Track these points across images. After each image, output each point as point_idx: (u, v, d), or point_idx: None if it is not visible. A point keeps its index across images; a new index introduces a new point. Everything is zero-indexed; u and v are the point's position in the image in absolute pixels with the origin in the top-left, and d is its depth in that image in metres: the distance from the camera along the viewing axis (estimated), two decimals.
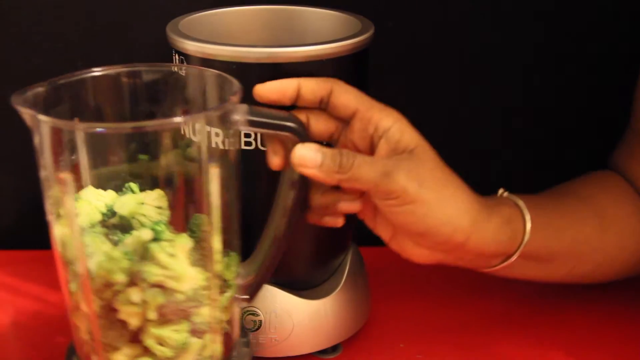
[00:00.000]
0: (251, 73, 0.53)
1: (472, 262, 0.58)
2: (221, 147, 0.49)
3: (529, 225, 0.57)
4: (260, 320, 0.59)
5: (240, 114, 0.49)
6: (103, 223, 0.49)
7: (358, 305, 0.63)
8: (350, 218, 0.58)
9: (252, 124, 0.50)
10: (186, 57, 0.55)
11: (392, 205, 0.53)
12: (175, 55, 0.57)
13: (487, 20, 0.74)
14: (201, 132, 0.48)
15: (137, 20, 0.73)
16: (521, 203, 0.58)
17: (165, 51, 0.57)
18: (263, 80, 0.52)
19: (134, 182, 0.50)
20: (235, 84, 0.48)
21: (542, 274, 0.62)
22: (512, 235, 0.57)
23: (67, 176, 0.46)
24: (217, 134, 0.49)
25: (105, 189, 0.50)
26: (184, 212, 0.50)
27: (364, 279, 0.65)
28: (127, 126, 0.46)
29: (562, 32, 0.75)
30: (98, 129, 0.46)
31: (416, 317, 0.67)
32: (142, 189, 0.50)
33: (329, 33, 0.60)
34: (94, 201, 0.49)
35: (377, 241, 0.57)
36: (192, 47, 0.55)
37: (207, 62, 0.54)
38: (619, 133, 0.70)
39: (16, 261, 0.76)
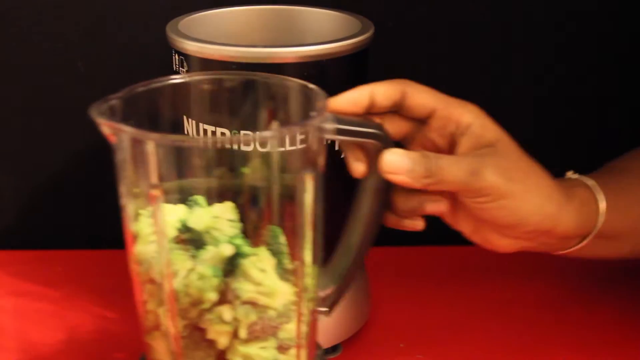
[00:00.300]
0: None
1: (553, 246, 0.58)
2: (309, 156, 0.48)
3: (602, 205, 0.57)
4: None
5: (328, 123, 0.48)
6: (177, 239, 0.47)
7: (358, 305, 0.63)
8: (346, 217, 0.58)
9: (340, 132, 0.49)
10: (186, 58, 0.55)
11: (483, 202, 0.52)
12: (175, 56, 0.57)
13: (487, 20, 0.74)
14: (295, 142, 0.48)
15: (137, 20, 0.73)
16: (592, 183, 0.58)
17: (166, 51, 0.57)
18: None
19: (200, 195, 0.48)
20: (322, 93, 0.47)
21: (608, 253, 0.61)
22: (588, 216, 0.57)
23: (157, 192, 0.44)
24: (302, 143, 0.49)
25: (169, 202, 0.48)
26: (258, 224, 0.48)
27: (364, 279, 0.65)
28: (225, 140, 0.45)
29: (562, 31, 0.75)
30: (198, 143, 0.44)
31: (416, 317, 0.67)
32: (209, 202, 0.48)
33: (329, 33, 0.60)
34: (167, 217, 0.47)
35: (376, 241, 0.57)
36: (192, 47, 0.55)
37: (207, 62, 0.54)
38: None
39: (17, 261, 0.76)
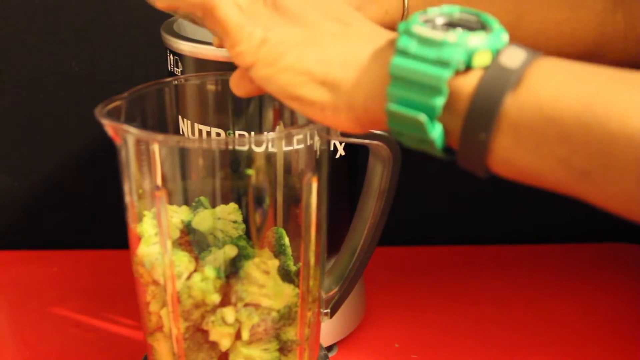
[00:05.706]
0: None
1: None
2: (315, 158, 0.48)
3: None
4: None
5: None
6: (179, 240, 0.47)
7: (353, 305, 0.63)
8: (347, 219, 0.58)
9: (345, 134, 0.49)
10: (181, 58, 0.55)
11: None
12: (169, 56, 0.57)
13: None
14: (303, 144, 0.47)
15: (131, 21, 0.73)
16: None
17: (160, 51, 0.57)
18: None
19: (204, 196, 0.48)
20: None
21: None
22: None
23: (161, 193, 0.44)
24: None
25: (173, 203, 0.48)
26: (262, 225, 0.48)
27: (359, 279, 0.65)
28: (229, 141, 0.44)
29: None
30: (203, 144, 0.44)
31: (411, 318, 0.67)
32: (213, 203, 0.48)
33: None
34: (171, 218, 0.47)
35: None
36: (186, 47, 0.54)
37: (202, 62, 0.54)
38: None
39: (17, 261, 0.75)
